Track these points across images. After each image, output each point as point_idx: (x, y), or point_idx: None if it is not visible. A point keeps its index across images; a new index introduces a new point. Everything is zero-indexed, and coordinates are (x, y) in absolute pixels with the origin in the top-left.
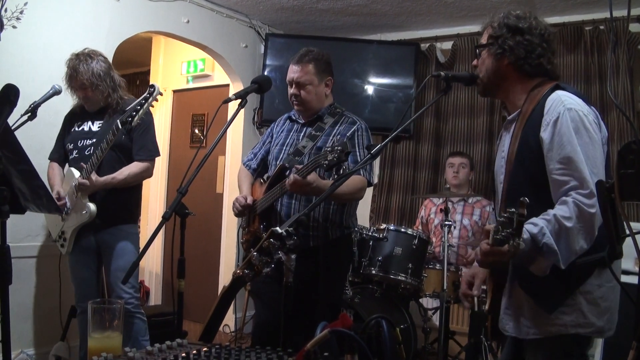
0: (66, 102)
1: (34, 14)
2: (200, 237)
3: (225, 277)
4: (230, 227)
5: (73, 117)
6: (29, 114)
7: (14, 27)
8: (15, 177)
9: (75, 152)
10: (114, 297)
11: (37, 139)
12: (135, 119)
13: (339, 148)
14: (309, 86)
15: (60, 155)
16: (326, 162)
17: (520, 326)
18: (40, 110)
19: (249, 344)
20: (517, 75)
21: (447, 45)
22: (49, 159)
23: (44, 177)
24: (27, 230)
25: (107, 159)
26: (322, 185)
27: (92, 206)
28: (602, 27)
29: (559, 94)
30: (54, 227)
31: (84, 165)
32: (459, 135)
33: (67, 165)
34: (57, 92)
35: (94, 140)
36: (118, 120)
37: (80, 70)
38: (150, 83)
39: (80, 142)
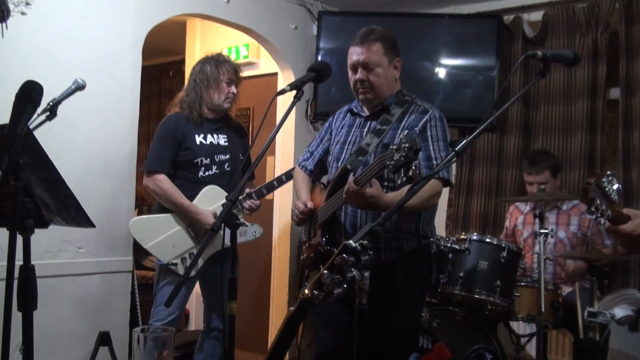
0: (91, 98)
1: None
2: (248, 251)
3: (277, 296)
4: (282, 239)
5: (191, 127)
6: (48, 112)
7: (22, 13)
8: (36, 187)
9: (214, 167)
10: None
11: (57, 141)
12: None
13: (407, 145)
14: (378, 68)
15: (169, 168)
16: (392, 162)
17: None
18: (60, 109)
19: None
20: None
21: (537, 16)
22: (155, 169)
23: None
24: (47, 246)
25: None
26: (383, 200)
27: (259, 227)
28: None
29: None
30: (169, 248)
31: (250, 190)
32: (553, 125)
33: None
34: (80, 88)
35: (228, 156)
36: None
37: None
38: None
39: (217, 157)
